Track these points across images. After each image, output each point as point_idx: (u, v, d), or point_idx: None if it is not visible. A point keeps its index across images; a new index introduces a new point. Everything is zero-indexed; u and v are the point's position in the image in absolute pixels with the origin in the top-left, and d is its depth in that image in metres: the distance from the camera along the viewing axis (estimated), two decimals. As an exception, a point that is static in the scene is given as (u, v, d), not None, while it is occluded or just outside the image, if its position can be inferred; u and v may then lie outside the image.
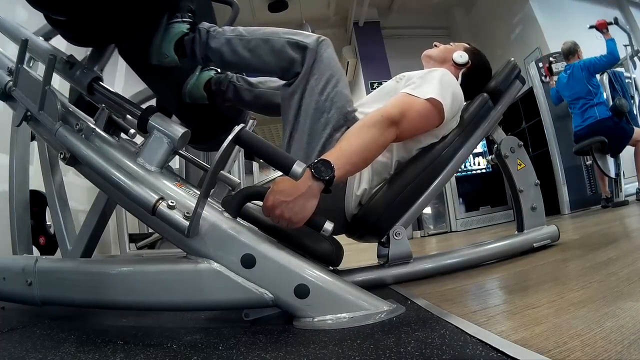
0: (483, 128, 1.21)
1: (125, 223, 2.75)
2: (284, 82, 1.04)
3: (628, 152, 3.10)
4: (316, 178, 0.75)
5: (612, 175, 3.11)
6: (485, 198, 4.28)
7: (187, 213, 0.67)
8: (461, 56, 1.22)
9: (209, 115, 1.26)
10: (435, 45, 1.29)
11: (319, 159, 0.78)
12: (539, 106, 3.63)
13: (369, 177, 1.06)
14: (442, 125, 1.07)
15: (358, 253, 2.15)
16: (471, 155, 4.23)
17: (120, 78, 3.09)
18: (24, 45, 0.88)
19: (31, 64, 1.04)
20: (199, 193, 0.70)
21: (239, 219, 0.77)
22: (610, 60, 3.02)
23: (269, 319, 0.75)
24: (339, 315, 0.67)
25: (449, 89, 1.03)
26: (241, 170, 3.15)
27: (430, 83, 1.02)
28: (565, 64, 3.29)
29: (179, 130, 0.75)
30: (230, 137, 0.70)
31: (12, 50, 0.95)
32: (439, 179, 1.11)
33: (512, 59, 1.32)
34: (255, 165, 4.72)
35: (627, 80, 3.35)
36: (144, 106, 0.81)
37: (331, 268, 0.99)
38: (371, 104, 1.13)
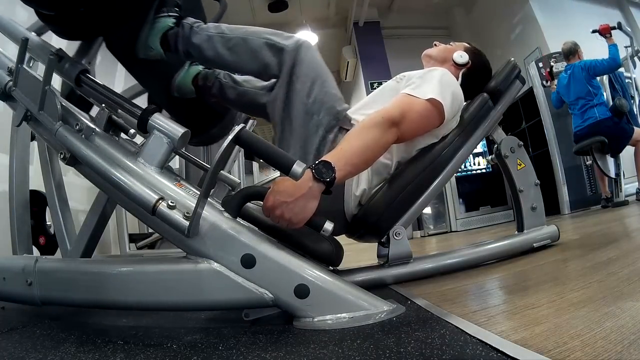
0: (483, 128, 1.21)
1: (125, 223, 2.75)
2: (265, 82, 1.04)
3: (628, 152, 3.10)
4: (317, 179, 0.75)
5: (612, 175, 3.11)
6: (485, 198, 4.28)
7: (187, 213, 0.67)
8: (461, 56, 1.22)
9: (198, 110, 1.26)
10: (436, 45, 1.29)
11: (320, 160, 0.78)
12: (539, 106, 3.63)
13: (368, 177, 1.06)
14: (443, 126, 1.06)
15: (358, 253, 2.15)
16: (471, 155, 4.23)
17: (120, 78, 3.09)
18: (24, 45, 0.88)
19: (31, 64, 1.04)
20: (199, 193, 0.70)
21: (239, 219, 0.77)
22: (612, 65, 3.02)
23: (269, 319, 0.75)
24: (339, 315, 0.67)
25: (449, 89, 1.03)
26: (241, 170, 3.15)
27: (429, 83, 1.01)
28: (565, 64, 3.30)
29: (179, 130, 0.75)
30: (230, 137, 0.70)
31: (12, 51, 0.95)
32: (439, 179, 1.10)
33: (512, 59, 1.32)
34: (255, 165, 4.72)
35: (627, 80, 3.35)
36: (135, 101, 0.81)
37: (331, 268, 0.99)
38: (372, 105, 1.13)
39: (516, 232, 1.31)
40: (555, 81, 3.40)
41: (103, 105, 0.83)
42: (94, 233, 0.91)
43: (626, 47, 3.47)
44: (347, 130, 1.00)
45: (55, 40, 1.01)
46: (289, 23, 5.06)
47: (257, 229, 0.79)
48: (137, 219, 1.69)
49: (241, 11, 4.81)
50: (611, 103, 3.05)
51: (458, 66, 1.22)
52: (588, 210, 3.30)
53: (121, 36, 1.02)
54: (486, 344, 0.47)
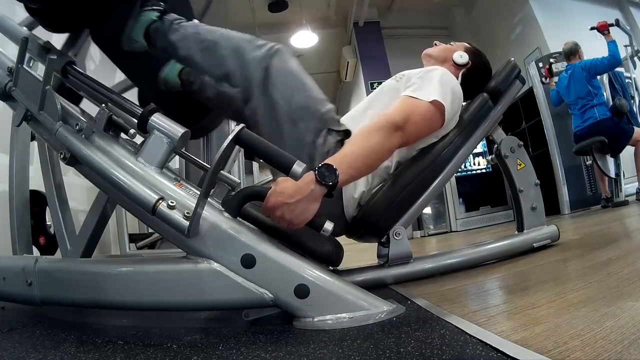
0: (483, 128, 1.21)
1: (125, 223, 2.74)
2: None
3: (628, 152, 3.10)
4: (319, 182, 0.75)
5: (612, 175, 3.11)
6: (485, 198, 4.28)
7: (187, 213, 0.67)
8: (461, 56, 1.22)
9: (186, 103, 1.26)
10: (436, 45, 1.29)
11: (322, 163, 0.77)
12: (539, 106, 3.63)
13: (366, 179, 1.05)
14: (443, 127, 1.07)
15: (358, 253, 2.15)
16: (471, 155, 4.23)
17: (121, 76, 3.08)
18: (24, 45, 0.88)
19: (31, 64, 1.04)
20: (199, 193, 0.70)
21: (239, 219, 0.77)
22: (612, 62, 3.02)
23: (269, 319, 0.75)
24: (339, 315, 0.67)
25: (449, 89, 1.03)
26: (241, 170, 3.15)
27: (431, 83, 1.01)
28: (565, 64, 3.30)
29: (179, 130, 0.75)
30: (230, 137, 0.70)
31: (12, 51, 0.96)
32: (439, 179, 1.10)
33: (512, 58, 1.32)
34: (255, 165, 4.72)
35: (627, 81, 3.35)
36: (126, 95, 0.83)
37: (331, 268, 0.99)
38: (371, 105, 1.13)
39: (516, 232, 1.31)
40: (555, 78, 3.40)
41: (103, 105, 0.83)
42: (94, 233, 0.91)
43: (626, 46, 3.47)
44: (336, 131, 1.00)
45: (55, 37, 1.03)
46: (289, 23, 5.06)
47: (257, 229, 0.79)
48: (137, 219, 1.69)
49: (241, 11, 4.81)
50: (611, 103, 3.05)
51: (458, 66, 1.22)
52: (588, 210, 3.30)
53: (107, 28, 1.05)
54: (486, 344, 0.47)
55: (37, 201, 1.66)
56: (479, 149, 4.35)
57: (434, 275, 1.09)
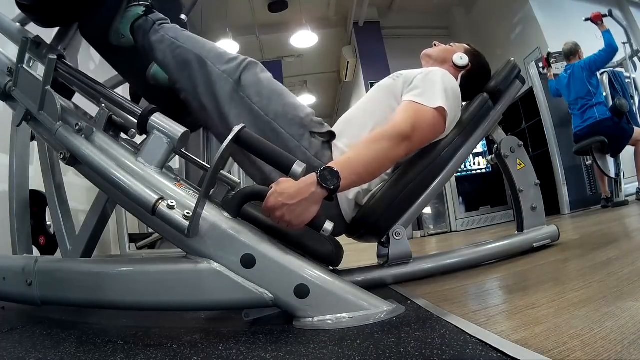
0: (483, 128, 1.21)
1: (125, 223, 2.74)
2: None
3: (628, 152, 3.10)
4: (321, 185, 0.74)
5: (612, 175, 3.11)
6: (485, 198, 4.28)
7: (187, 213, 0.67)
8: (461, 58, 1.21)
9: (176, 98, 1.27)
10: (435, 45, 1.29)
11: (325, 166, 0.77)
12: (539, 106, 3.63)
13: None
14: (445, 130, 1.07)
15: (358, 253, 2.15)
16: (471, 155, 4.23)
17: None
18: (24, 45, 0.88)
19: (31, 64, 1.04)
20: (199, 193, 0.70)
21: (239, 219, 0.77)
22: (609, 52, 3.03)
23: (269, 319, 0.75)
24: (339, 315, 0.67)
25: (451, 94, 1.03)
26: (241, 170, 3.15)
27: (434, 88, 1.01)
28: (565, 64, 3.30)
29: (178, 130, 0.75)
30: (230, 137, 0.70)
31: (12, 51, 0.96)
32: (439, 179, 1.10)
33: (512, 58, 1.32)
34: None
35: (627, 81, 3.35)
36: (117, 91, 0.83)
37: (331, 268, 0.99)
38: (368, 103, 1.13)
39: (516, 232, 1.31)
40: (553, 67, 3.41)
41: (103, 105, 0.83)
42: (94, 233, 0.91)
43: (624, 43, 3.48)
44: (318, 133, 1.00)
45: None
46: (289, 23, 5.06)
47: (257, 229, 0.79)
48: (137, 219, 1.69)
49: (241, 11, 4.82)
50: (611, 103, 3.06)
51: (458, 68, 1.21)
52: (588, 210, 3.31)
53: (95, 23, 1.06)
54: (486, 344, 0.47)
55: (37, 201, 1.66)
56: (479, 149, 4.35)
57: (434, 275, 1.09)
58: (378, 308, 0.69)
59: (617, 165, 3.13)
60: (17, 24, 1.06)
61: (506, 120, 1.72)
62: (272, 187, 0.75)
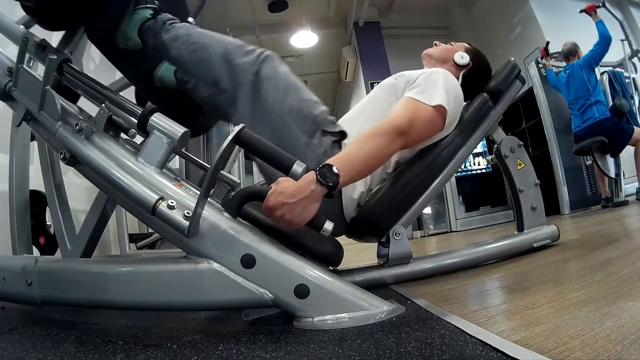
0: (483, 128, 1.21)
1: (125, 223, 2.75)
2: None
3: (628, 152, 3.10)
4: (320, 182, 0.75)
5: (612, 175, 3.11)
6: (485, 198, 4.28)
7: (187, 213, 0.67)
8: (462, 57, 1.22)
9: (181, 102, 1.27)
10: (436, 45, 1.29)
11: (324, 163, 0.77)
12: (539, 106, 3.63)
13: (365, 180, 1.05)
14: (444, 129, 1.07)
15: (358, 253, 2.15)
16: (471, 155, 4.23)
17: (120, 75, 3.08)
18: (24, 45, 0.88)
19: (31, 64, 1.04)
20: (199, 193, 0.70)
21: (239, 219, 0.77)
22: (603, 43, 3.04)
23: (269, 319, 0.75)
24: (339, 315, 0.67)
25: (452, 93, 1.03)
26: (241, 170, 3.15)
27: (435, 86, 1.01)
28: (565, 64, 3.30)
29: (179, 130, 0.75)
30: (230, 137, 0.70)
31: (12, 51, 0.96)
32: (439, 179, 1.11)
33: (512, 58, 1.32)
34: (255, 165, 4.72)
35: (627, 80, 3.35)
36: (122, 93, 0.83)
37: (331, 268, 0.99)
38: (370, 102, 1.13)
39: (516, 232, 1.31)
40: (551, 60, 3.43)
41: (103, 105, 0.83)
42: (94, 233, 0.91)
43: (622, 40, 3.48)
44: (330, 132, 1.00)
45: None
46: (289, 23, 5.06)
47: (257, 229, 0.79)
48: (137, 219, 1.69)
49: (241, 11, 4.81)
50: (611, 103, 3.06)
51: (459, 67, 1.22)
52: (588, 210, 3.31)
53: (102, 26, 1.06)
54: (486, 344, 0.47)
55: (37, 201, 1.66)
56: (479, 149, 4.35)
57: (434, 275, 1.09)
58: (378, 308, 0.69)
59: (617, 165, 3.13)
60: (21, 26, 1.05)
61: (506, 120, 1.72)
62: (271, 187, 0.75)
